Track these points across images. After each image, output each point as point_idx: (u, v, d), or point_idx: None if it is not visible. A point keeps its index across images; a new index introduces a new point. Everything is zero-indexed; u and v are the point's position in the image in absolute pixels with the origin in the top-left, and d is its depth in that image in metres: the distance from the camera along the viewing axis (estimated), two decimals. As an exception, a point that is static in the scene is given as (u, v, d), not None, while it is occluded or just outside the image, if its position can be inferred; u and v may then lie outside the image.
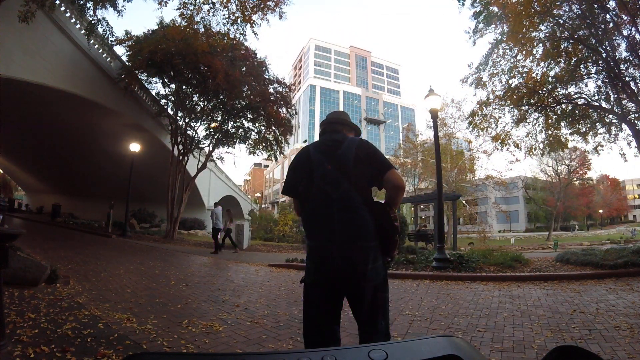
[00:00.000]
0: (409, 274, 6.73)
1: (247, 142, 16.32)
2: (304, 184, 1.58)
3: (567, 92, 10.41)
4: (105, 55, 13.21)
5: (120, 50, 13.77)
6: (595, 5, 8.76)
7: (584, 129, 11.03)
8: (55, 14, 10.09)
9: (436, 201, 8.97)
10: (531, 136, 11.50)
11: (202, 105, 15.43)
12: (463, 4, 9.68)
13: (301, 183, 1.60)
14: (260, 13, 8.76)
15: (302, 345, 2.83)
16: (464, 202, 25.25)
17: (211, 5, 8.54)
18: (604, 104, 10.20)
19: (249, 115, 15.59)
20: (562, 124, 11.09)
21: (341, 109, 61.29)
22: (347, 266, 1.42)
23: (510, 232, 40.52)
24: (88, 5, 9.85)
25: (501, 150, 12.02)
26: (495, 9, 9.71)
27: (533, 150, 11.75)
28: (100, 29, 10.65)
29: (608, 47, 9.15)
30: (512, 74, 10.60)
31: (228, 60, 13.36)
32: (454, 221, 15.39)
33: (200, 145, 16.54)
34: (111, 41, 12.26)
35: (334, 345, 1.45)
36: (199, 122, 16.00)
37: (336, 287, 1.47)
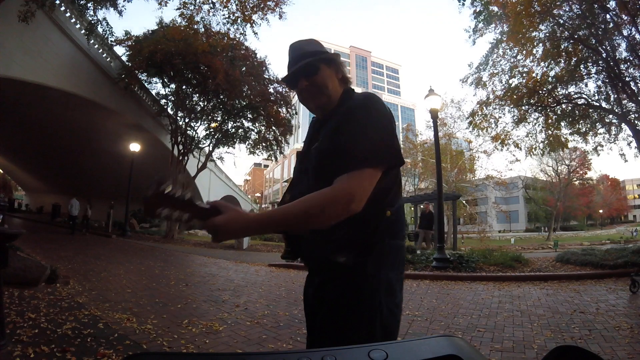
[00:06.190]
0: (409, 274, 6.71)
1: (247, 142, 16.34)
2: None
3: (567, 92, 10.40)
4: (105, 55, 13.21)
5: (120, 50, 13.81)
6: (595, 5, 8.75)
7: (584, 129, 11.03)
8: (55, 14, 10.09)
9: (436, 201, 8.96)
10: (531, 136, 11.50)
11: (202, 105, 15.43)
12: (463, 4, 9.72)
13: None
14: (260, 13, 8.81)
15: (302, 345, 2.84)
16: (464, 202, 25.20)
17: (211, 5, 8.58)
18: (604, 104, 10.19)
19: (249, 115, 15.59)
20: (562, 124, 11.07)
21: (341, 109, 61.42)
22: None
23: (510, 232, 40.46)
24: (88, 5, 9.87)
25: (501, 150, 12.03)
26: (495, 8, 9.72)
27: (533, 150, 11.74)
28: (100, 29, 10.67)
29: (608, 47, 9.14)
30: (512, 74, 10.59)
31: (228, 60, 13.35)
32: (454, 221, 15.37)
33: (200, 145, 16.53)
34: (111, 41, 12.30)
35: None
36: (199, 122, 16.01)
37: None
